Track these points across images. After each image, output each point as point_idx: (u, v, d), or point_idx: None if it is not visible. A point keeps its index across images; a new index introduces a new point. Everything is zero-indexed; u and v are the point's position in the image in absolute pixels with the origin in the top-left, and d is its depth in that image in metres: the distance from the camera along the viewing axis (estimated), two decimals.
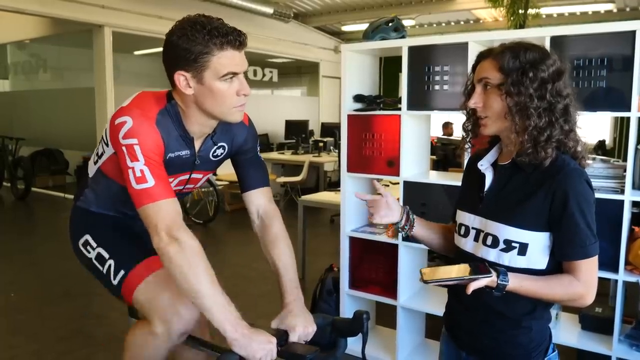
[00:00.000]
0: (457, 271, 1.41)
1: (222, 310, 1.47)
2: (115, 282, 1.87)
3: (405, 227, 1.73)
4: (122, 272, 1.86)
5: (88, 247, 1.97)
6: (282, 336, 1.60)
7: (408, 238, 2.85)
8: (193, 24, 1.55)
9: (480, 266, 1.41)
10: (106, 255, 1.91)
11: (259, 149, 1.98)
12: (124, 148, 1.58)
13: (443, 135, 9.26)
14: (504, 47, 1.50)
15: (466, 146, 1.67)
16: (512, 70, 1.45)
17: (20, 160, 9.42)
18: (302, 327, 1.63)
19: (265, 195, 1.93)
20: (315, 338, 1.66)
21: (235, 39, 1.56)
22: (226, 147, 1.86)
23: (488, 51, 1.53)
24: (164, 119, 1.66)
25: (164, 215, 1.55)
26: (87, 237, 1.97)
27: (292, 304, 1.71)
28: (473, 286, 1.36)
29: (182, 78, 1.59)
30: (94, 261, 1.94)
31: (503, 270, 1.40)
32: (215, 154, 1.85)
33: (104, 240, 1.95)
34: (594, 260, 1.43)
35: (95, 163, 1.89)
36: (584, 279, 1.42)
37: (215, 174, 2.04)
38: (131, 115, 1.60)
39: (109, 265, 1.89)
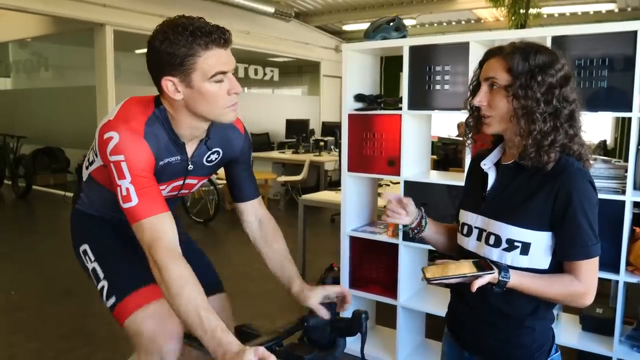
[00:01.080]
0: (460, 268, 1.41)
1: (207, 337, 1.39)
2: (107, 305, 1.88)
3: (416, 230, 1.75)
4: (113, 299, 1.86)
5: (86, 257, 1.97)
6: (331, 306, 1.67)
7: (410, 238, 2.85)
8: (174, 26, 1.50)
9: (482, 263, 1.42)
10: (101, 275, 1.91)
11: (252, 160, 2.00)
12: (112, 165, 1.55)
13: (457, 135, 9.25)
14: (514, 47, 1.49)
15: (468, 142, 1.67)
16: (521, 73, 1.44)
17: (21, 159, 9.44)
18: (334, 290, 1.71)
19: (262, 205, 1.99)
20: (314, 338, 1.66)
21: (219, 37, 1.51)
22: (220, 152, 1.84)
23: (498, 49, 1.53)
24: (152, 127, 1.62)
25: (147, 235, 1.52)
26: (86, 246, 1.98)
27: (303, 284, 1.76)
28: (477, 284, 1.36)
29: (170, 84, 1.54)
30: (91, 273, 1.95)
31: (505, 267, 1.41)
32: (209, 159, 1.83)
33: (101, 256, 1.95)
34: (595, 261, 1.44)
35: (87, 168, 1.88)
36: (585, 279, 1.42)
37: (216, 173, 2.04)
38: (118, 131, 1.56)
39: (103, 286, 1.89)
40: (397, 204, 1.71)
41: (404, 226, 1.75)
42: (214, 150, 1.81)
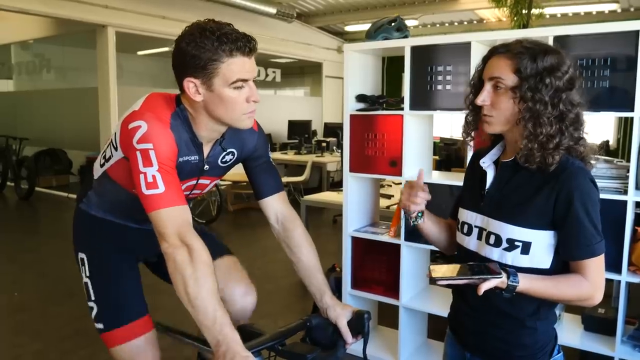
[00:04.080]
0: (467, 271, 1.40)
1: (215, 330, 1.40)
2: (95, 325, 1.93)
3: (419, 215, 1.71)
4: (101, 325, 1.91)
5: (82, 267, 2.00)
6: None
7: (410, 235, 2.84)
8: (202, 30, 1.53)
9: (490, 267, 1.40)
10: (92, 296, 1.95)
11: (270, 154, 1.97)
12: (138, 153, 1.56)
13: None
14: (521, 46, 1.46)
15: (468, 139, 1.65)
16: (530, 75, 1.41)
17: (24, 160, 9.46)
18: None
19: (283, 200, 1.93)
20: (316, 338, 1.66)
21: (244, 45, 1.54)
22: (235, 153, 1.85)
23: (503, 47, 1.49)
24: (176, 122, 1.65)
25: (173, 222, 1.52)
26: (83, 256, 2.00)
27: (333, 299, 1.74)
28: (484, 287, 1.34)
29: (191, 85, 1.57)
30: (83, 285, 1.98)
31: (513, 271, 1.39)
32: (224, 160, 1.85)
33: (95, 275, 1.97)
34: (601, 259, 1.43)
35: (101, 166, 1.88)
36: (592, 278, 1.42)
37: None
38: (145, 120, 1.58)
39: (92, 307, 1.94)
40: (417, 190, 1.66)
41: (405, 212, 1.71)
42: (229, 151, 1.83)
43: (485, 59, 1.54)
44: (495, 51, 1.51)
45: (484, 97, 1.49)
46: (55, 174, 10.76)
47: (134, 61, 12.06)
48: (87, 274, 1.97)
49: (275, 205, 1.91)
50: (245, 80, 1.58)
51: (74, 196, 2.20)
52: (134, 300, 1.96)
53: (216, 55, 1.52)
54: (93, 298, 1.95)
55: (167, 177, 1.56)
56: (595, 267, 1.42)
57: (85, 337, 3.75)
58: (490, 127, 1.52)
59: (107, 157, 1.83)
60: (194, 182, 1.86)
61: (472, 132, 1.63)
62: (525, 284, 1.39)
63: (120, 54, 8.58)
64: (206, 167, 1.80)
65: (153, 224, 1.55)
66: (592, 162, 1.52)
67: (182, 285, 1.45)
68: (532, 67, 1.42)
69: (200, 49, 1.51)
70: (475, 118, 1.59)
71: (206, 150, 1.77)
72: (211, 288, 1.45)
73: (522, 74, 1.43)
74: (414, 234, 3.08)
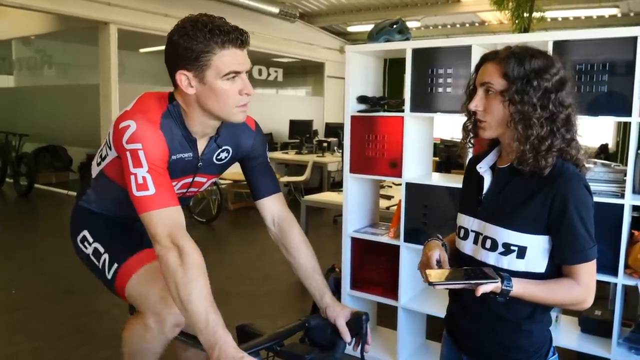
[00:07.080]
0: (463, 275, 1.42)
1: (207, 333, 1.37)
2: (109, 276, 1.90)
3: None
4: (115, 266, 1.89)
5: (85, 243, 2.00)
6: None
7: (410, 237, 2.83)
8: (194, 22, 1.54)
9: (486, 271, 1.42)
10: (102, 250, 1.95)
11: (267, 155, 1.97)
12: (127, 153, 1.57)
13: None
14: (509, 51, 1.49)
15: (467, 145, 1.67)
16: (517, 78, 1.44)
17: (23, 157, 9.45)
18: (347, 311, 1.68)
19: (280, 201, 1.92)
20: (314, 338, 1.67)
21: (237, 37, 1.55)
22: (230, 150, 1.85)
23: (493, 54, 1.52)
24: (167, 121, 1.65)
25: (164, 224, 1.52)
26: (85, 232, 2.00)
27: (333, 299, 1.74)
28: (481, 290, 1.36)
29: (183, 77, 1.57)
30: (91, 257, 1.97)
31: (507, 276, 1.41)
32: (219, 157, 1.84)
33: (100, 236, 1.98)
34: (593, 264, 1.45)
35: (98, 165, 1.90)
36: (584, 283, 1.43)
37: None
38: (135, 119, 1.59)
39: (104, 260, 1.92)
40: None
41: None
42: (224, 148, 1.82)
43: (478, 67, 1.57)
44: (486, 58, 1.54)
45: (477, 103, 1.53)
46: (55, 170, 10.75)
47: (135, 58, 12.05)
48: (92, 240, 1.97)
49: (272, 207, 1.90)
50: (237, 73, 1.57)
51: (74, 193, 2.21)
52: (139, 237, 1.93)
53: (208, 47, 1.52)
54: (103, 251, 1.94)
55: (158, 178, 1.56)
56: (588, 271, 1.44)
57: (82, 335, 3.76)
58: (484, 132, 1.55)
59: (103, 156, 1.84)
60: (190, 179, 1.86)
61: (471, 139, 1.65)
62: (519, 288, 1.41)
63: (122, 51, 8.59)
64: (200, 164, 1.80)
65: (145, 226, 1.55)
66: (588, 165, 1.54)
67: (174, 289, 1.45)
68: (519, 71, 1.45)
69: (192, 42, 1.52)
70: (474, 126, 1.60)
71: (201, 146, 1.77)
72: (202, 290, 1.44)
73: (509, 77, 1.45)
74: (413, 235, 3.10)
